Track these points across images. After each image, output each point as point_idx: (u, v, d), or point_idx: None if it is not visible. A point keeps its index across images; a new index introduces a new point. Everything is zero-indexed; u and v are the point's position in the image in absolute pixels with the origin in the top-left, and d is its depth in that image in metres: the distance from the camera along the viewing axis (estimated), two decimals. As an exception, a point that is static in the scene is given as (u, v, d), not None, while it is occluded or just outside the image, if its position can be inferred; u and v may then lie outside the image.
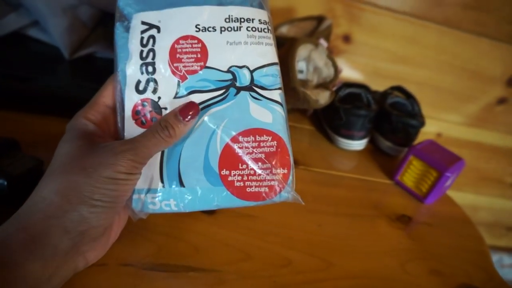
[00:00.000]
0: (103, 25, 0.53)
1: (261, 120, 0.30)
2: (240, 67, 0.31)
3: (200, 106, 0.30)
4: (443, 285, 0.40)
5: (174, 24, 0.31)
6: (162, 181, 0.30)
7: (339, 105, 0.61)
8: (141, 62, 0.31)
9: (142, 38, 0.31)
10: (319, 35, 0.66)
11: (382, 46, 0.90)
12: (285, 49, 0.56)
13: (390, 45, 0.90)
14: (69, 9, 0.47)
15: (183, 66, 0.30)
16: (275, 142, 0.30)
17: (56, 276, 0.24)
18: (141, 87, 0.31)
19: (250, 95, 0.30)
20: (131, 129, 0.30)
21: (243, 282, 0.34)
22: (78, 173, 0.25)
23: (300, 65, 0.58)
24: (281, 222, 0.42)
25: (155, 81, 0.30)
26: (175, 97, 0.30)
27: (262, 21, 0.32)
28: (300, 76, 0.59)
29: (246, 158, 0.29)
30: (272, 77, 0.31)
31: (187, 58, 0.30)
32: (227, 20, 0.31)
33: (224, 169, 0.29)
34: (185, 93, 0.30)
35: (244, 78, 0.31)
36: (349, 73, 0.93)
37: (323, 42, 0.61)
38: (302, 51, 0.57)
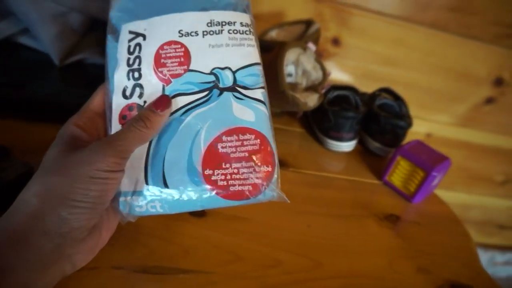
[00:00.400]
0: (93, 31, 0.54)
1: (244, 119, 0.30)
2: (223, 69, 0.31)
3: (185, 109, 0.31)
4: (430, 282, 0.41)
5: (159, 31, 0.32)
6: (147, 183, 0.30)
7: (327, 108, 0.62)
8: (127, 69, 0.32)
9: (129, 47, 0.32)
10: (307, 39, 0.67)
11: (371, 48, 0.91)
12: (274, 53, 0.57)
13: (378, 47, 0.91)
14: (59, 16, 0.48)
15: (167, 71, 0.31)
16: (258, 140, 0.30)
17: (42, 280, 0.24)
18: (127, 93, 0.31)
19: (233, 95, 0.31)
20: None
21: (232, 283, 0.34)
22: (56, 173, 0.25)
23: (289, 68, 0.59)
24: (271, 224, 0.43)
25: (141, 86, 0.31)
26: None
27: (244, 24, 0.33)
28: (289, 80, 0.60)
29: (229, 157, 0.29)
30: (254, 76, 0.32)
31: (171, 62, 0.31)
32: (209, 24, 0.32)
33: (208, 169, 0.29)
34: (171, 95, 0.31)
35: (227, 79, 0.31)
36: (339, 75, 0.94)
37: (311, 45, 0.62)
38: (291, 55, 0.58)
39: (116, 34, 0.33)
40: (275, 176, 0.30)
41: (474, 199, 1.27)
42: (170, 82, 0.31)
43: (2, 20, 0.49)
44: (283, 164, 0.55)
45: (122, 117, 0.31)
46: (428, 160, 0.52)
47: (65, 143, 0.28)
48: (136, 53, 0.32)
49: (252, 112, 0.31)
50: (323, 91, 0.61)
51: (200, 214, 0.41)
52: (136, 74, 0.32)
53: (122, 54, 0.32)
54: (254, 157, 0.30)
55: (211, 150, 0.30)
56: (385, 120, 0.62)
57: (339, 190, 0.54)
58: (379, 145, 0.64)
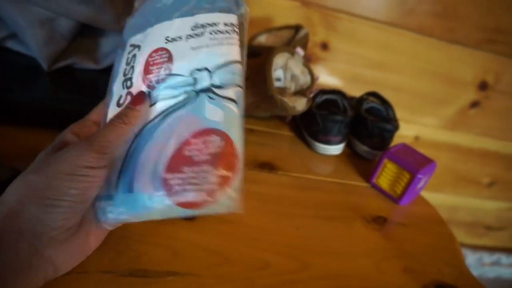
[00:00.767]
0: (82, 36, 0.54)
1: (212, 119, 0.29)
2: (200, 70, 0.31)
3: (164, 113, 0.30)
4: (415, 282, 0.42)
5: (150, 40, 0.33)
6: (116, 187, 0.29)
7: (316, 111, 0.63)
8: (123, 78, 0.33)
9: (127, 58, 0.34)
10: (296, 43, 0.68)
11: (359, 53, 0.93)
12: (263, 58, 0.58)
13: (366, 51, 0.93)
14: (47, 22, 0.48)
15: (153, 77, 0.32)
16: (223, 142, 0.28)
17: (22, 284, 0.24)
18: (121, 101, 0.32)
19: (208, 96, 0.30)
20: None
21: (221, 286, 0.35)
22: (34, 172, 0.25)
23: (278, 73, 0.60)
24: (260, 227, 0.43)
25: (131, 94, 0.32)
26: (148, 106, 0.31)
27: (228, 24, 0.32)
28: (278, 84, 0.61)
29: (191, 160, 0.27)
30: (230, 74, 0.31)
31: (156, 68, 0.32)
32: (193, 28, 0.32)
33: (168, 173, 0.27)
34: (154, 101, 0.31)
35: (204, 80, 0.30)
36: (328, 79, 0.95)
37: (299, 50, 0.63)
38: (279, 59, 0.58)
39: (123, 48, 0.35)
40: (235, 182, 0.27)
41: (462, 201, 1.29)
42: (155, 87, 0.31)
43: (-11, 25, 0.49)
44: (272, 167, 0.55)
45: None
46: (414, 163, 0.53)
47: (54, 146, 0.29)
48: (131, 63, 0.33)
49: (221, 112, 0.29)
50: (312, 95, 0.62)
51: (189, 217, 0.41)
52: (129, 83, 0.32)
53: (122, 65, 0.34)
54: (214, 161, 0.27)
55: (178, 154, 0.28)
56: (373, 124, 0.63)
57: (327, 193, 0.54)
58: (366, 148, 0.65)
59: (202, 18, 0.32)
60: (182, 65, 0.31)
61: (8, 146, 0.41)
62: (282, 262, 0.39)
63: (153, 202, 0.27)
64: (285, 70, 0.61)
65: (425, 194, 0.61)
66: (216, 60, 0.31)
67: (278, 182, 0.53)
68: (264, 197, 0.49)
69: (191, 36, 0.32)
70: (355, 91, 0.83)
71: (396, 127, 0.63)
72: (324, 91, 0.68)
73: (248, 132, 0.60)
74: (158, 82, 0.31)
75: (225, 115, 0.29)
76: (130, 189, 0.28)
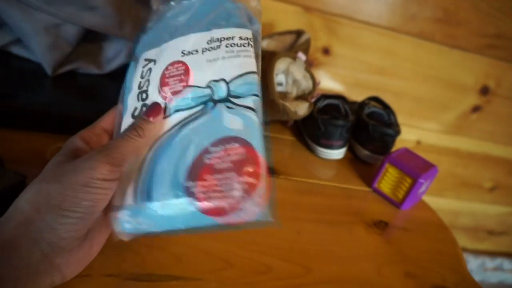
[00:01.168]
0: (86, 42, 0.54)
1: (232, 128, 0.29)
2: (217, 81, 0.31)
3: (181, 124, 0.31)
4: (417, 287, 0.42)
5: (166, 54, 0.34)
6: (134, 197, 0.29)
7: (317, 116, 0.63)
8: (138, 91, 0.34)
9: (142, 71, 0.35)
10: (297, 48, 0.68)
11: (361, 58, 0.93)
12: (265, 63, 0.58)
13: (368, 57, 0.93)
14: (51, 28, 0.48)
15: (169, 89, 0.32)
16: (244, 149, 0.28)
17: None
18: (136, 113, 0.33)
19: (226, 106, 0.30)
20: None
21: (223, 290, 0.35)
22: (50, 181, 0.25)
23: (280, 78, 0.61)
24: (262, 231, 0.43)
25: (147, 106, 0.33)
26: (163, 118, 0.32)
27: (243, 38, 0.33)
28: (279, 89, 0.61)
29: (213, 168, 0.27)
30: (247, 85, 0.31)
31: (173, 81, 0.32)
32: (209, 41, 0.33)
33: (190, 181, 0.27)
34: (171, 113, 0.32)
35: (221, 90, 0.31)
36: (329, 84, 0.96)
37: (301, 55, 0.63)
38: (281, 64, 0.59)
39: (136, 62, 0.36)
40: (261, 189, 0.27)
41: (464, 206, 1.29)
42: (172, 100, 0.32)
43: (-5, 31, 0.50)
44: (274, 171, 0.55)
45: None
46: (416, 167, 0.54)
47: (66, 153, 0.29)
48: (146, 77, 0.34)
49: (241, 120, 0.29)
50: (313, 100, 0.62)
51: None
52: (144, 95, 0.33)
53: (136, 78, 0.35)
54: (237, 168, 0.27)
55: (198, 162, 0.28)
56: (374, 129, 0.63)
57: (329, 197, 0.55)
58: (368, 153, 0.65)
59: (218, 33, 0.33)
60: (198, 77, 0.32)
61: (12, 150, 0.42)
62: (284, 266, 0.39)
63: (175, 210, 0.27)
64: (287, 75, 0.61)
65: (426, 198, 0.61)
66: (232, 70, 0.31)
67: (279, 186, 0.54)
68: (266, 202, 0.49)
69: (207, 49, 0.33)
70: (357, 96, 0.84)
71: (397, 132, 0.63)
72: (325, 96, 0.68)
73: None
74: (174, 94, 0.32)
75: (245, 123, 0.29)
76: (149, 198, 0.28)
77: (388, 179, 0.57)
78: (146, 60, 0.35)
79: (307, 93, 0.62)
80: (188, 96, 0.32)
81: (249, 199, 0.26)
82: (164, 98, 0.32)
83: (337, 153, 0.64)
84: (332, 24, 0.87)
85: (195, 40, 0.34)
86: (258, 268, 0.38)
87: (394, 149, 0.62)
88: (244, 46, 0.33)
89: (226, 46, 0.32)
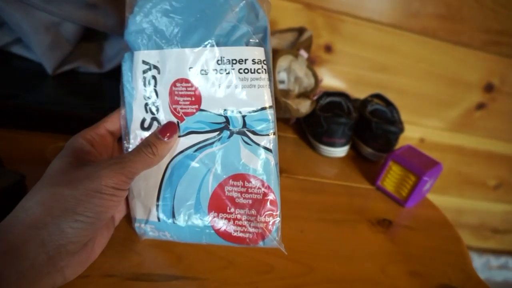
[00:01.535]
0: (86, 40, 0.54)
1: (250, 166, 0.31)
2: (232, 111, 0.31)
3: (197, 146, 0.32)
4: (422, 286, 0.41)
5: (171, 66, 0.32)
6: (158, 216, 0.33)
7: (320, 114, 0.62)
8: (145, 102, 0.33)
9: (144, 78, 0.33)
10: (299, 46, 0.68)
11: (363, 55, 0.93)
12: (266, 60, 0.58)
13: (370, 54, 0.93)
14: (51, 27, 0.48)
15: (180, 108, 0.32)
16: (262, 189, 0.31)
17: None
18: (145, 125, 0.33)
19: (242, 139, 0.31)
20: None
21: (225, 289, 0.34)
22: (64, 185, 0.26)
23: (282, 75, 0.60)
24: (264, 230, 0.43)
25: (158, 121, 0.33)
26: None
27: (256, 61, 0.30)
28: (281, 86, 0.61)
29: (234, 202, 0.31)
30: (264, 122, 0.31)
31: (183, 100, 0.32)
32: (219, 62, 0.31)
33: (213, 211, 0.32)
34: (184, 133, 0.32)
35: (237, 121, 0.31)
36: (332, 81, 0.95)
37: (303, 53, 0.63)
38: (283, 62, 0.58)
39: (131, 54, 0.34)
40: (276, 226, 0.31)
41: (468, 204, 1.28)
42: (184, 119, 0.32)
43: (-5, 30, 0.49)
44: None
45: None
46: (420, 164, 0.53)
47: (73, 155, 0.29)
48: (152, 86, 0.33)
49: (258, 161, 0.31)
50: (315, 97, 0.62)
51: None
52: (154, 108, 0.33)
53: (138, 85, 0.33)
54: (257, 206, 0.31)
55: (218, 192, 0.32)
56: (377, 126, 0.63)
57: (332, 195, 0.54)
58: (371, 151, 0.65)
59: (229, 52, 0.30)
60: (211, 102, 0.32)
61: (12, 150, 0.41)
62: (286, 265, 0.39)
63: (197, 230, 0.32)
64: (288, 73, 0.61)
65: (430, 196, 0.60)
66: (248, 103, 0.31)
67: (282, 184, 0.52)
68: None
69: (217, 71, 0.31)
70: (359, 93, 0.83)
71: (401, 129, 0.63)
72: (328, 93, 0.68)
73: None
74: (186, 114, 0.32)
75: (263, 164, 0.31)
76: (174, 219, 0.33)
77: (392, 176, 0.56)
78: (145, 63, 0.33)
79: (309, 91, 0.62)
80: (201, 120, 0.32)
81: (267, 236, 0.31)
82: (176, 116, 0.32)
83: (340, 151, 0.63)
84: (334, 21, 0.86)
85: (202, 56, 0.31)
86: (261, 267, 0.38)
87: (397, 146, 0.62)
88: (258, 72, 0.30)
89: (239, 72, 0.30)
